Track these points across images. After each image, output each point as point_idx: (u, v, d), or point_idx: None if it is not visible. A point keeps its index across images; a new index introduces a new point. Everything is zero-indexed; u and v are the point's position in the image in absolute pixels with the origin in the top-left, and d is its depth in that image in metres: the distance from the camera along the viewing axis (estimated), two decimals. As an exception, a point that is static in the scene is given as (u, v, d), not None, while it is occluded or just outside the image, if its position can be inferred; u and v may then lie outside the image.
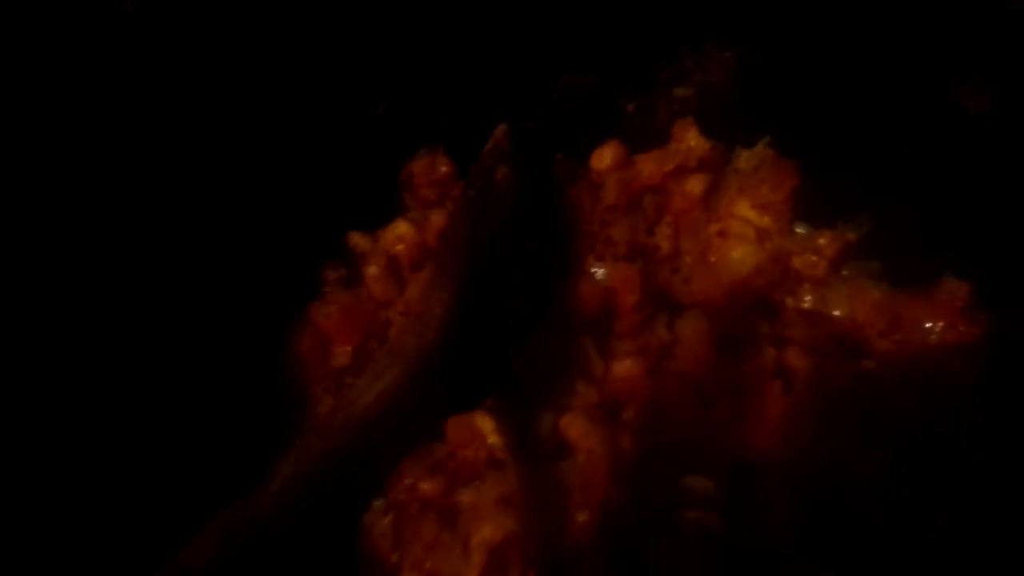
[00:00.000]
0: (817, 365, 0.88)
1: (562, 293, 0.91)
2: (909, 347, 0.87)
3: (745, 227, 0.98)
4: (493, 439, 0.80)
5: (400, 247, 0.96)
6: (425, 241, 0.96)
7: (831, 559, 0.77)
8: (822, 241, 0.96)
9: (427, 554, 0.78)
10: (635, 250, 0.96)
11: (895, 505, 0.80)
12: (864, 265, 0.96)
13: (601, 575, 0.75)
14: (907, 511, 0.80)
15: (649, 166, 1.00)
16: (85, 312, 0.75)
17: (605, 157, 1.01)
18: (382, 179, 1.01)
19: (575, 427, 0.80)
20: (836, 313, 0.92)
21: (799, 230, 0.99)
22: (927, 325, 0.86)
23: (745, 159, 1.01)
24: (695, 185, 1.00)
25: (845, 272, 0.96)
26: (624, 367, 0.86)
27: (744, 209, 0.99)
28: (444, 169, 1.00)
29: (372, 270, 0.93)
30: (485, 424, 0.80)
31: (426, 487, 0.80)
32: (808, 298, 0.94)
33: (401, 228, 0.97)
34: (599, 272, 0.94)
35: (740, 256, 0.97)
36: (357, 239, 0.96)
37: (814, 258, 0.95)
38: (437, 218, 0.96)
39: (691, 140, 1.01)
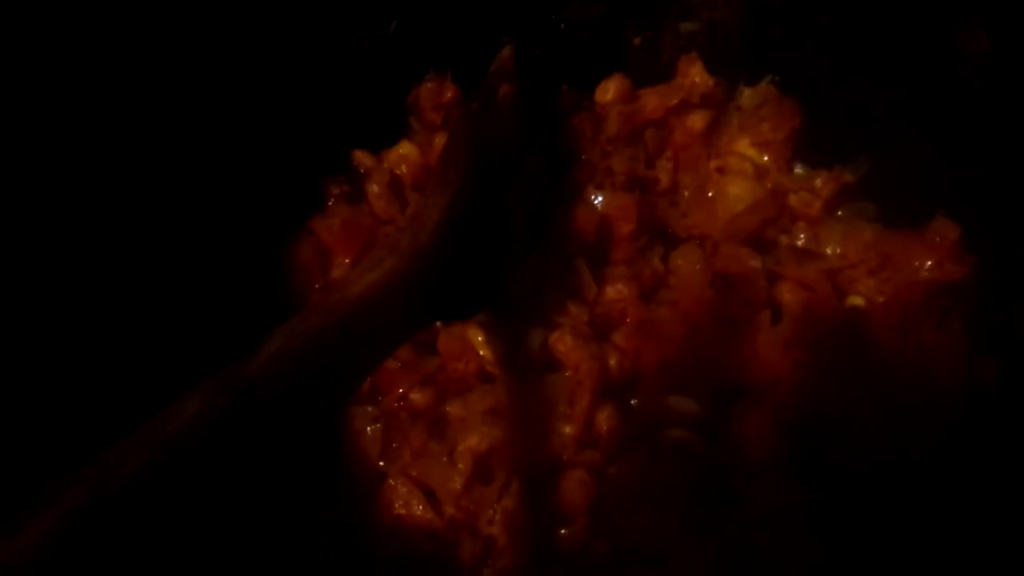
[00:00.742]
0: (806, 300, 0.89)
1: (560, 218, 0.92)
2: (897, 285, 0.88)
3: (744, 164, 0.99)
4: (484, 352, 0.82)
5: (403, 167, 0.97)
6: (428, 163, 0.97)
7: (807, 481, 0.78)
8: (819, 182, 0.97)
9: (415, 461, 0.80)
10: (634, 182, 0.97)
11: (873, 435, 0.81)
12: (859, 206, 0.97)
13: (582, 486, 0.77)
14: (885, 443, 0.81)
15: (652, 100, 1.01)
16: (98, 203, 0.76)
17: (609, 90, 1.01)
18: (390, 101, 1.02)
19: (564, 343, 0.82)
20: (828, 251, 0.93)
21: (797, 170, 1.00)
22: (915, 263, 0.87)
23: (748, 97, 1.02)
24: (697, 121, 1.01)
25: (840, 212, 0.97)
26: (616, 290, 0.87)
27: (744, 147, 1.00)
28: (450, 94, 1.01)
29: (374, 188, 0.94)
30: (476, 338, 0.82)
31: (416, 397, 0.83)
32: (802, 236, 0.95)
33: (405, 149, 0.98)
34: (598, 200, 0.95)
35: (738, 192, 0.98)
36: (362, 157, 0.97)
37: (810, 197, 0.96)
38: (441, 141, 0.97)
39: (695, 76, 1.01)
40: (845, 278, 0.91)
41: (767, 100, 1.00)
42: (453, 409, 0.82)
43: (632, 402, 0.83)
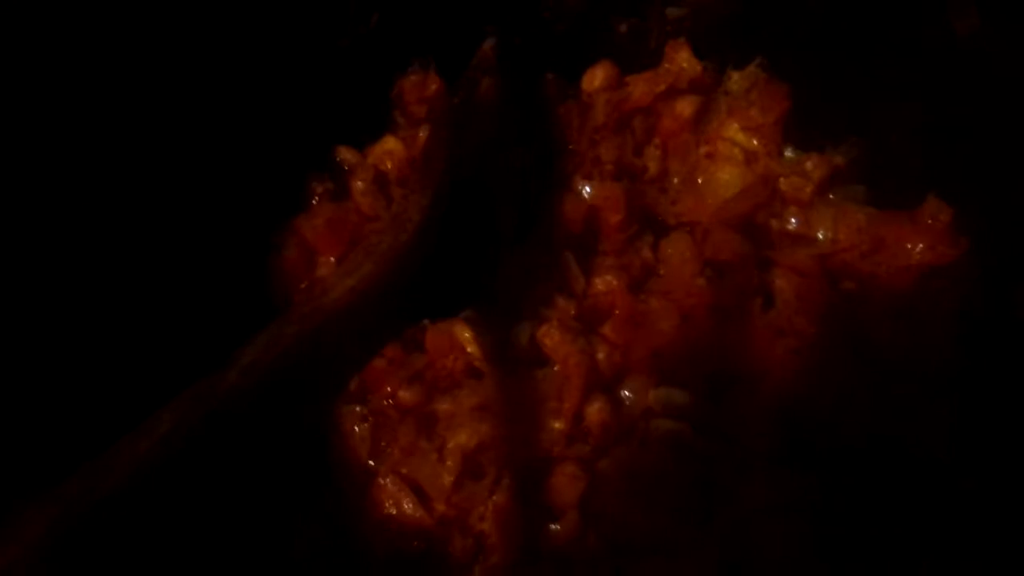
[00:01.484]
0: (798, 286, 0.88)
1: (547, 209, 0.91)
2: (889, 269, 0.87)
3: (733, 149, 0.98)
4: (471, 348, 0.81)
5: (388, 163, 0.96)
6: (413, 157, 0.96)
7: (800, 470, 0.78)
8: (809, 165, 0.96)
9: (404, 459, 0.80)
10: (622, 170, 0.96)
11: (866, 422, 0.81)
12: (850, 189, 0.95)
13: (572, 481, 0.76)
14: (878, 429, 0.81)
15: (640, 87, 1.00)
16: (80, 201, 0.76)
17: (596, 77, 1.00)
18: (373, 96, 1.01)
19: (551, 337, 0.81)
20: (819, 236, 0.92)
21: (788, 154, 0.99)
22: (908, 246, 0.86)
23: (736, 81, 1.00)
24: (685, 107, 0.99)
25: (831, 196, 0.96)
26: (604, 281, 0.86)
27: (733, 131, 0.99)
28: (434, 87, 0.99)
29: (359, 184, 0.93)
30: (464, 334, 0.82)
31: (405, 395, 0.82)
32: (793, 220, 0.94)
33: (390, 144, 0.97)
34: (585, 190, 0.94)
35: (728, 178, 0.97)
36: (345, 153, 0.96)
37: (801, 181, 0.95)
38: (426, 135, 0.96)
39: (683, 61, 1.00)
40: (837, 262, 0.90)
41: (756, 84, 0.99)
42: (442, 406, 0.81)
43: (622, 394, 0.82)
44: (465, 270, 0.82)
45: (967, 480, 0.77)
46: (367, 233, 0.90)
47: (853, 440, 0.80)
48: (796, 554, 0.76)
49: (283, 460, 0.74)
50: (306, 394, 0.60)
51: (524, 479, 0.78)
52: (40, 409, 0.70)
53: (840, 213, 0.92)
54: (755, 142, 0.98)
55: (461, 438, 0.78)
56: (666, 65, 1.00)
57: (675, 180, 0.99)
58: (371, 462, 0.81)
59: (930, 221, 0.87)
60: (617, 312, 0.84)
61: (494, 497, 0.77)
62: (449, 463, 0.78)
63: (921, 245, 0.86)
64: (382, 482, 0.79)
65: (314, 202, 0.94)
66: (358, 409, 0.82)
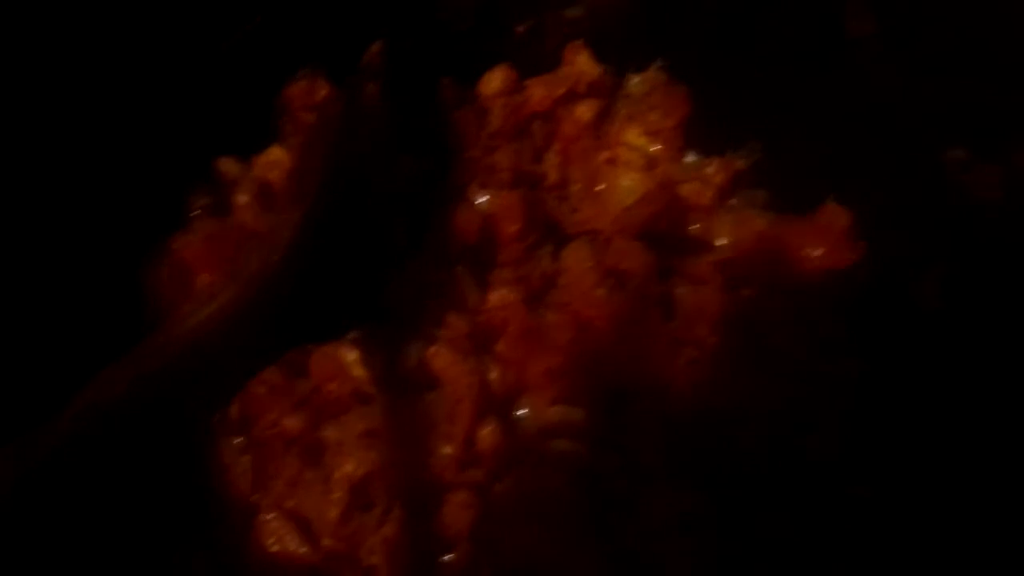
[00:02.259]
0: (698, 294, 0.86)
1: (441, 221, 0.88)
2: (788, 274, 0.86)
3: (634, 155, 0.96)
4: (358, 372, 0.77)
5: (274, 173, 0.91)
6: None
7: (700, 484, 0.76)
8: (710, 170, 0.94)
9: (289, 492, 0.76)
10: (520, 177, 0.93)
11: (767, 432, 0.80)
12: (751, 194, 0.95)
13: (463, 509, 0.73)
14: (779, 438, 0.80)
15: (538, 91, 0.97)
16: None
17: (493, 81, 0.97)
18: (258, 103, 0.96)
19: (441, 358, 0.78)
20: (719, 242, 0.91)
21: (689, 158, 0.97)
22: (806, 251, 0.85)
23: (636, 84, 0.98)
24: (585, 111, 0.97)
25: (733, 201, 0.94)
26: (500, 296, 0.83)
27: (634, 136, 0.96)
28: (323, 92, 0.95)
29: (242, 198, 0.88)
30: (349, 356, 0.78)
31: (290, 423, 0.78)
32: (693, 227, 0.92)
33: (276, 154, 0.92)
34: (481, 200, 0.90)
35: (629, 184, 0.95)
36: (226, 165, 0.91)
37: (701, 187, 0.93)
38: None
39: (582, 64, 0.97)
40: (737, 269, 0.89)
41: (656, 87, 0.97)
42: (329, 433, 0.77)
43: (517, 414, 0.79)
44: (351, 289, 0.78)
45: (862, 487, 0.76)
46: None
47: (752, 450, 0.79)
48: (699, 569, 0.74)
49: (152, 499, 0.69)
50: (160, 432, 0.55)
51: (415, 509, 0.74)
52: None
53: (740, 219, 0.91)
54: (656, 146, 0.96)
55: (348, 467, 0.74)
56: (565, 68, 0.98)
57: (575, 187, 0.96)
58: (254, 496, 0.76)
59: (828, 226, 0.86)
60: (511, 328, 0.81)
61: (384, 529, 0.73)
62: (336, 495, 0.74)
63: (819, 250, 0.86)
64: (265, 518, 0.75)
65: (192, 217, 0.88)
66: (237, 441, 0.77)
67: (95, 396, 0.50)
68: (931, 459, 0.76)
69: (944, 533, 0.73)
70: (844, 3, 0.86)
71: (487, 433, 0.76)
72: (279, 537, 0.74)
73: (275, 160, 0.92)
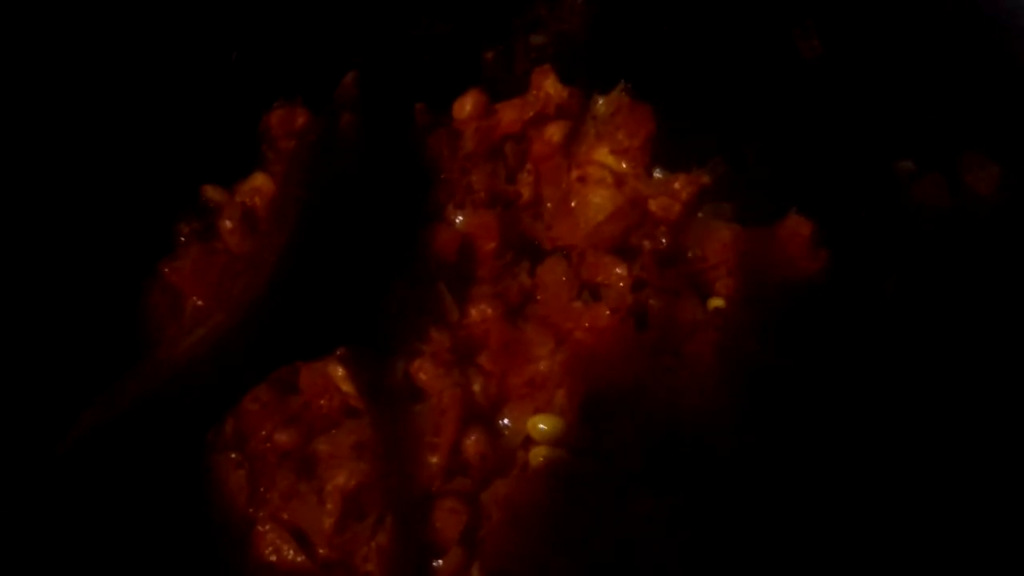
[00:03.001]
0: (670, 305, 0.90)
1: (421, 241, 0.91)
2: (754, 283, 0.90)
3: (603, 172, 1.00)
4: (346, 387, 0.80)
5: (257, 199, 0.94)
6: (280, 194, 0.94)
7: (676, 489, 0.79)
8: (677, 185, 0.98)
9: (284, 504, 0.78)
10: (495, 197, 0.97)
11: (738, 438, 0.83)
12: (717, 207, 0.98)
13: (452, 515, 0.76)
14: (750, 444, 0.83)
15: (509, 114, 1.01)
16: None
17: (466, 105, 1.01)
18: (240, 132, 0.99)
19: (425, 371, 0.81)
20: (689, 254, 0.95)
21: (656, 174, 1.01)
22: (771, 261, 0.89)
23: (602, 105, 1.02)
24: (554, 132, 1.01)
25: (700, 214, 0.98)
26: (479, 310, 0.87)
27: (603, 155, 1.01)
28: (302, 120, 0.98)
29: (227, 223, 0.91)
30: (337, 372, 0.80)
31: (282, 438, 0.81)
32: (663, 240, 0.96)
33: (258, 180, 0.95)
34: (458, 219, 0.94)
35: (599, 201, 0.98)
36: (212, 192, 0.94)
37: (669, 201, 0.97)
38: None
39: (549, 87, 1.01)
40: (706, 279, 0.93)
41: (621, 108, 1.01)
42: (321, 446, 0.80)
43: (500, 424, 0.83)
44: (336, 307, 0.81)
45: (834, 487, 0.80)
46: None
47: (727, 453, 0.82)
48: (678, 570, 0.77)
49: (150, 515, 0.72)
50: (161, 448, 0.58)
51: (406, 517, 0.77)
52: None
53: (707, 231, 0.95)
54: (624, 165, 1.00)
55: (340, 479, 0.77)
56: (533, 91, 1.02)
57: (548, 205, 1.00)
58: (250, 509, 0.79)
59: (791, 236, 0.90)
60: (492, 341, 0.85)
61: (377, 537, 0.76)
62: (329, 505, 0.76)
63: (784, 259, 0.89)
64: (262, 529, 0.77)
65: (181, 242, 0.91)
66: (233, 456, 0.80)
67: (98, 417, 0.52)
68: (901, 457, 0.80)
69: (915, 528, 0.76)
70: (791, 23, 0.90)
71: (472, 442, 0.79)
72: (276, 548, 0.76)
73: (258, 186, 0.95)
